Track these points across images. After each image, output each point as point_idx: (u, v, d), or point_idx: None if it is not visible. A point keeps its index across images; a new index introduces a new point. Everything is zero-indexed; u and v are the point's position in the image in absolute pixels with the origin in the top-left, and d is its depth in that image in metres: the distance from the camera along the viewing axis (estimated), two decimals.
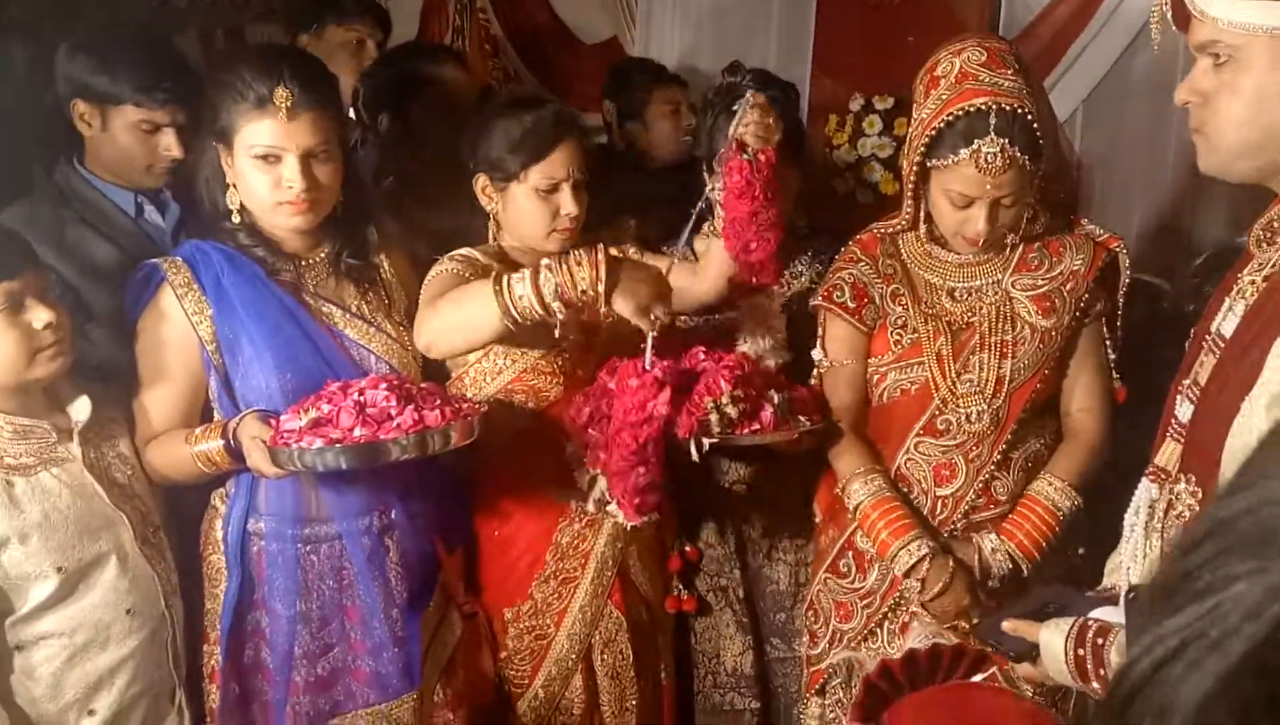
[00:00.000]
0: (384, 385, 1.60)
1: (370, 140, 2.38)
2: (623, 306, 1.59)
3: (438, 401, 1.62)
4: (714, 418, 1.63)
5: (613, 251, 1.62)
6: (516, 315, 1.58)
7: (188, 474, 1.72)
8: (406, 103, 2.25)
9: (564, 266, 1.57)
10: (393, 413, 1.56)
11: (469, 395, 1.85)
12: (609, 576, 1.93)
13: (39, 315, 1.54)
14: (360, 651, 1.81)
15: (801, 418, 1.75)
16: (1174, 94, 1.19)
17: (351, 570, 1.78)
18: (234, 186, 1.71)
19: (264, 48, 1.81)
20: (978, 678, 1.09)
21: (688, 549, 2.08)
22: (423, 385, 1.69)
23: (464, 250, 1.84)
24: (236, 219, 1.73)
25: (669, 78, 2.89)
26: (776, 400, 1.71)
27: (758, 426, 1.68)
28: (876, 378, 1.85)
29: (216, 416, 1.75)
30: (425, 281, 1.80)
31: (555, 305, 1.57)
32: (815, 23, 3.00)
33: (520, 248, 1.89)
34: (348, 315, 1.81)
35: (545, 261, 1.59)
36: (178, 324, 1.71)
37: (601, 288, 1.55)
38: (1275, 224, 1.17)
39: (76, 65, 1.89)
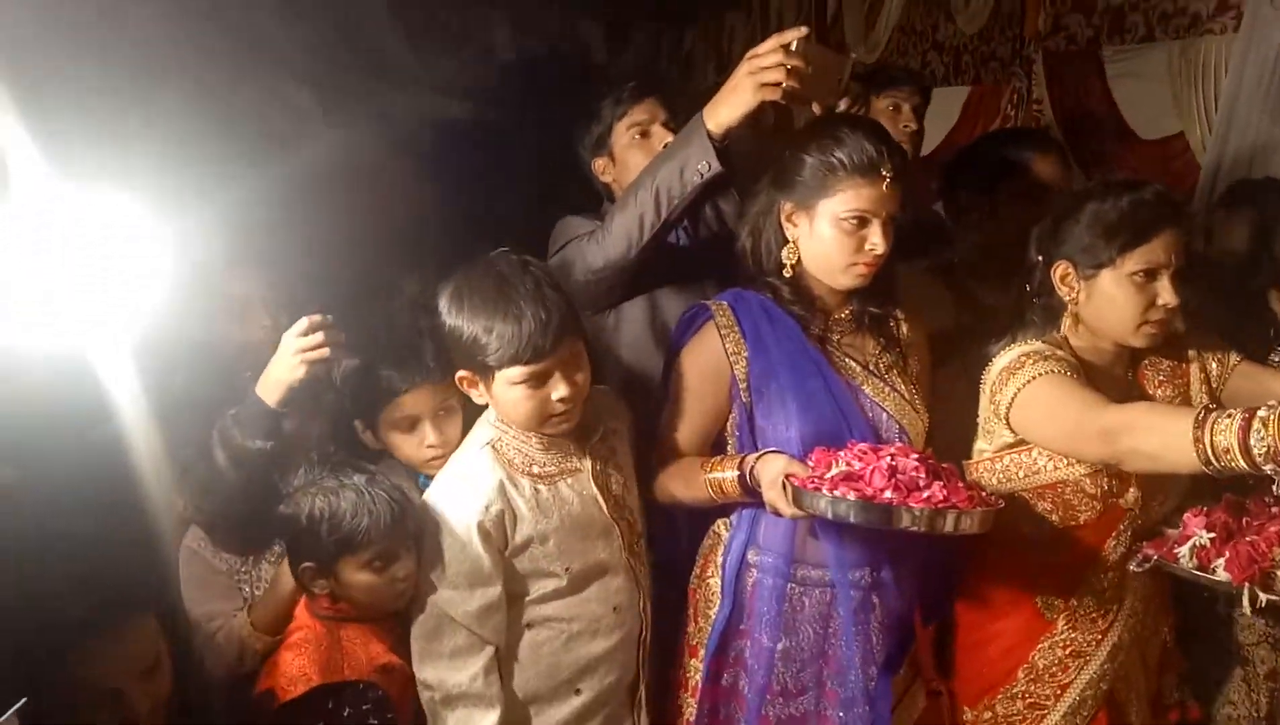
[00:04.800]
0: (914, 456, 1.62)
1: (951, 213, 2.43)
2: None
3: (960, 484, 1.61)
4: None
5: None
6: (1218, 466, 1.45)
7: (696, 498, 1.81)
8: (998, 182, 2.24)
9: (1273, 424, 1.39)
10: (921, 484, 1.57)
11: (989, 481, 1.82)
12: (1084, 717, 1.80)
13: (558, 390, 1.69)
14: (832, 701, 1.83)
15: None
16: None
17: (837, 620, 1.81)
18: (794, 244, 1.80)
19: (859, 120, 1.85)
20: None
21: (1189, 705, 1.87)
22: (945, 465, 1.68)
23: (1035, 345, 1.78)
24: (788, 274, 1.81)
25: None
26: None
27: None
28: None
29: (730, 449, 1.85)
30: (1025, 384, 1.74)
31: (1269, 468, 1.40)
32: None
33: (1092, 346, 1.82)
34: (866, 371, 1.84)
35: (1262, 412, 1.41)
36: (717, 358, 1.82)
37: None
38: None
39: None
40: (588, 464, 1.81)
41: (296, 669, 1.68)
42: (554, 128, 2.39)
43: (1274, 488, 1.43)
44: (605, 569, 1.81)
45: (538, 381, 1.68)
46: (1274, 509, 1.53)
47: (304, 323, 1.74)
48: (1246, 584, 1.48)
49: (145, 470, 1.68)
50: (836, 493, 1.56)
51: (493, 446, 1.78)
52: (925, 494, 1.56)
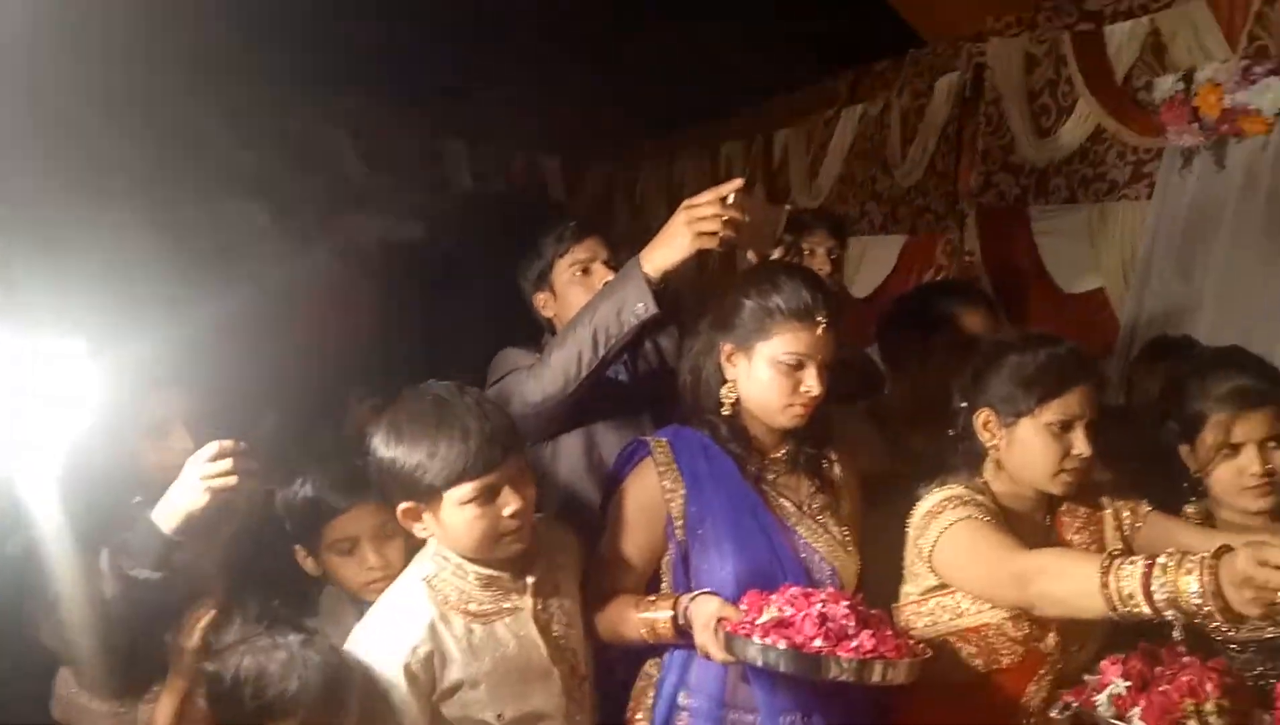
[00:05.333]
0: (845, 603, 1.63)
1: (886, 358, 2.50)
2: (1251, 610, 1.38)
3: (889, 632, 1.62)
4: (1191, 724, 1.49)
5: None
6: (1123, 610, 1.47)
7: (629, 637, 1.79)
8: (930, 332, 2.31)
9: (1172, 570, 1.42)
10: (850, 632, 1.58)
11: (917, 624, 1.83)
12: None
13: (509, 504, 1.65)
14: None
15: None
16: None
17: None
18: (732, 383, 1.83)
19: (795, 268, 1.93)
20: None
21: None
22: (874, 611, 1.68)
23: (957, 490, 1.82)
24: (727, 412, 1.85)
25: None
26: (1268, 723, 1.51)
27: None
28: None
29: (664, 587, 1.85)
30: (945, 528, 1.77)
31: (1170, 614, 1.43)
32: None
33: (1012, 492, 1.86)
34: (800, 512, 1.86)
35: (1162, 558, 1.45)
36: (654, 495, 1.83)
37: (1214, 605, 1.38)
38: None
39: None
40: (528, 602, 1.75)
41: None
42: (506, 258, 2.43)
43: (1174, 633, 1.46)
44: (540, 716, 1.74)
45: (488, 497, 1.64)
46: (1185, 659, 1.56)
47: (213, 447, 1.65)
48: None
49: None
50: (767, 640, 1.56)
51: (428, 582, 1.72)
52: (854, 643, 1.57)
